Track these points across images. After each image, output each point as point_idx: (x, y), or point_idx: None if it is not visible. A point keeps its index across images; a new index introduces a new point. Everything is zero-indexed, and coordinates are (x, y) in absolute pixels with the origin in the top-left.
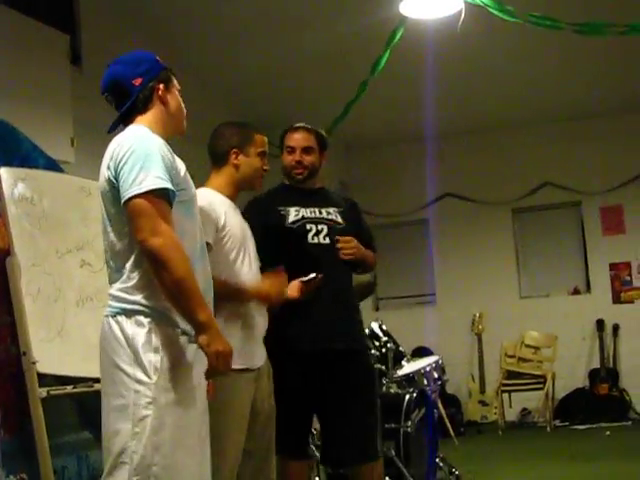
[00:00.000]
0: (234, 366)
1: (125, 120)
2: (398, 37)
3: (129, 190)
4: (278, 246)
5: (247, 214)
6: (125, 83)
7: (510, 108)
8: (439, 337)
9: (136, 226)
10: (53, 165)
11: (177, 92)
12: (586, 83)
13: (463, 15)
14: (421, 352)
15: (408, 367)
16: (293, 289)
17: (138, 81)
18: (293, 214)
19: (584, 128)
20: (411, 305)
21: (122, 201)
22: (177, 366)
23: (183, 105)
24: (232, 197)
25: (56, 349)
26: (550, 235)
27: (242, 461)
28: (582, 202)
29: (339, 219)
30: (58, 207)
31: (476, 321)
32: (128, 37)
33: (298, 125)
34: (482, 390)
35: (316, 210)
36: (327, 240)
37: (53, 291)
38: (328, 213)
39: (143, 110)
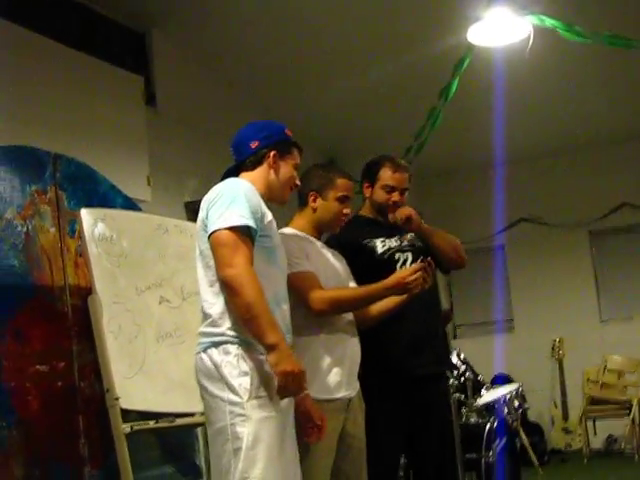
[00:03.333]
0: (317, 395)
1: (235, 174)
2: (466, 64)
3: (214, 224)
4: (368, 279)
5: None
6: (243, 143)
7: (583, 129)
8: (519, 364)
9: (216, 257)
10: (130, 204)
11: (292, 166)
12: None
13: (532, 39)
14: (501, 380)
15: (487, 396)
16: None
17: (255, 144)
18: (380, 245)
19: None
20: (489, 332)
21: (207, 234)
22: (266, 387)
23: (296, 179)
24: (314, 236)
25: (138, 385)
26: (630, 256)
27: None
28: None
29: (419, 242)
30: (136, 245)
31: (556, 346)
32: (201, 77)
33: (400, 163)
34: (565, 417)
35: (399, 239)
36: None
37: (133, 328)
38: (408, 240)
39: (251, 169)
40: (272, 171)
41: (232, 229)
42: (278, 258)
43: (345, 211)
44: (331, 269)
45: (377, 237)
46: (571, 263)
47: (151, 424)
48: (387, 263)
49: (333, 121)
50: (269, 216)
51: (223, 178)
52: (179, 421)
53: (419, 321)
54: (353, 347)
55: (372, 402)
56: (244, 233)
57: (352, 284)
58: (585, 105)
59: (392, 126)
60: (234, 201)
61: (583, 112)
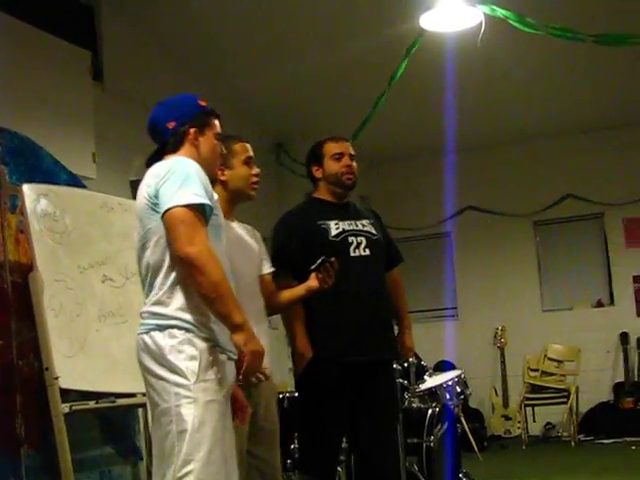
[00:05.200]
0: None
1: (160, 158)
2: (416, 48)
3: (169, 202)
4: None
5: (282, 230)
6: (160, 126)
7: (530, 120)
8: (461, 351)
9: (173, 235)
10: (75, 181)
11: (213, 136)
12: (608, 94)
13: (483, 29)
14: (443, 366)
15: (430, 381)
16: (312, 279)
17: (171, 124)
18: (334, 228)
19: (606, 139)
20: (433, 319)
21: (161, 212)
22: (213, 371)
23: (222, 148)
24: (227, 214)
25: (78, 364)
26: (573, 247)
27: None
28: (604, 214)
29: (373, 230)
30: (80, 223)
31: (498, 335)
32: (151, 54)
33: (339, 136)
34: (505, 404)
35: (353, 223)
36: (367, 252)
37: (75, 306)
38: (363, 225)
39: (175, 150)
40: (195, 150)
41: (189, 207)
42: (222, 236)
43: (254, 172)
44: (243, 251)
45: (331, 219)
46: (515, 253)
47: (91, 404)
48: (340, 245)
49: (283, 105)
50: (215, 195)
51: (148, 164)
52: (120, 401)
53: (365, 309)
54: (262, 335)
55: (317, 389)
56: (199, 211)
57: (266, 264)
58: (534, 96)
59: (341, 111)
60: (187, 179)
61: (532, 103)
